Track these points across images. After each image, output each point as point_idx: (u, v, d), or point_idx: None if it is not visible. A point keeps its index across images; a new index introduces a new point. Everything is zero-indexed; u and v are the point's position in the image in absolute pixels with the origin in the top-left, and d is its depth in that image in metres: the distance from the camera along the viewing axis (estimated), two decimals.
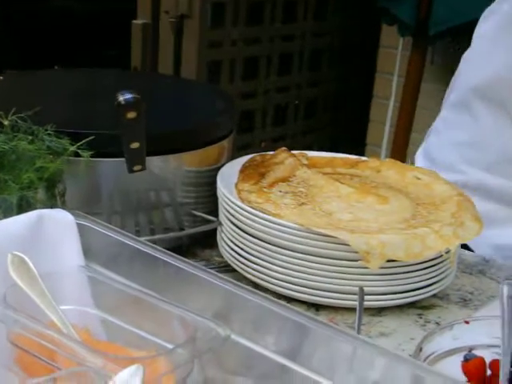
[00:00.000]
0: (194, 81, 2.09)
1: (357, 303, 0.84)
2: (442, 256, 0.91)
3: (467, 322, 0.75)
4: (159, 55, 2.41)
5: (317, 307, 0.92)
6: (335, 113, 2.93)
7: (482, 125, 1.23)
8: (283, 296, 0.93)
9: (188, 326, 0.60)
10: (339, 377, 0.67)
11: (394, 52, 2.72)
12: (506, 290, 0.73)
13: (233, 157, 1.12)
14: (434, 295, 0.96)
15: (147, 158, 0.92)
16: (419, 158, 1.36)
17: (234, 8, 2.42)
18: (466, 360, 0.72)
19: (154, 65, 2.41)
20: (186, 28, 2.30)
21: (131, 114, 0.82)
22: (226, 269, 1.00)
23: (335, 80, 2.86)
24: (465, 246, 1.10)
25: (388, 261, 0.87)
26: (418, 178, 1.09)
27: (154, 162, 0.95)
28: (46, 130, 0.87)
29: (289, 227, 0.90)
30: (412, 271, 0.90)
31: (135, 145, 0.85)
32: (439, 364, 0.71)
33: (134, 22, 2.41)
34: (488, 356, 0.72)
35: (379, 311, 0.93)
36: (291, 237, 0.90)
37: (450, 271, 0.97)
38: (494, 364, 0.70)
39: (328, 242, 0.88)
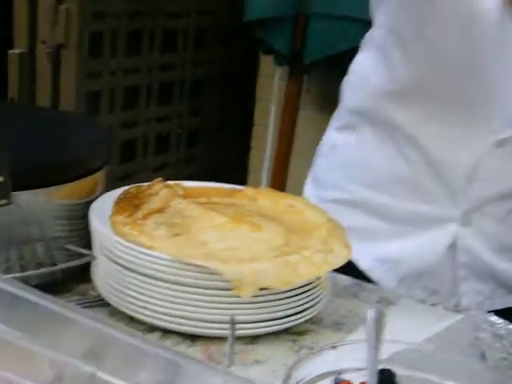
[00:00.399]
0: (68, 112, 2.06)
1: (227, 332, 0.85)
2: (313, 282, 0.92)
3: (334, 347, 0.76)
4: (37, 85, 2.37)
5: (192, 338, 0.92)
6: (218, 141, 2.96)
7: (367, 145, 1.28)
8: (159, 328, 0.93)
9: (56, 365, 0.59)
10: None
11: (271, 81, 2.77)
12: (372, 315, 0.75)
13: (108, 188, 1.11)
14: (308, 320, 0.98)
15: (16, 193, 0.91)
16: (308, 185, 1.40)
17: (112, 38, 2.41)
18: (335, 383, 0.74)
19: (31, 95, 2.37)
20: (64, 58, 2.28)
21: None
22: (102, 303, 0.98)
23: (217, 108, 2.89)
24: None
25: (261, 289, 0.89)
26: (292, 206, 1.12)
27: (23, 197, 0.93)
28: None
29: (162, 258, 0.90)
30: (284, 298, 0.92)
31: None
32: None
33: (11, 51, 2.37)
34: (356, 379, 0.74)
35: (254, 339, 0.93)
36: (164, 268, 0.90)
37: (323, 296, 0.99)
38: None
39: (201, 273, 0.88)
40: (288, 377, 0.69)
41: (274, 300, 0.91)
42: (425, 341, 0.97)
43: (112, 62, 2.41)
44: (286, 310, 0.93)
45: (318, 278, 0.93)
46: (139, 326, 0.94)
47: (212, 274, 0.88)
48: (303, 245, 0.98)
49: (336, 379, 0.75)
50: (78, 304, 0.99)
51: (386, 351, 0.81)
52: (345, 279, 1.14)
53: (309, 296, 0.95)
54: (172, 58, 2.56)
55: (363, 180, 1.29)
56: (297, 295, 0.93)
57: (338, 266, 0.96)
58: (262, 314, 0.91)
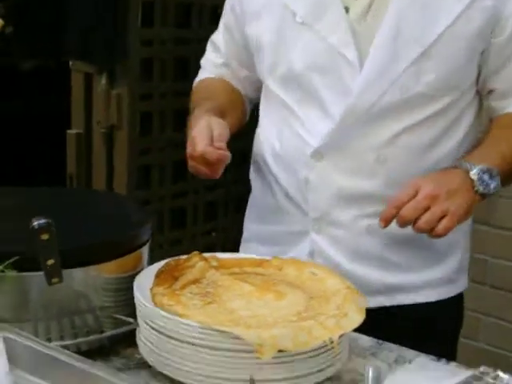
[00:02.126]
0: (115, 194, 2.21)
1: None
2: (329, 344, 1.02)
3: None
4: (93, 162, 2.53)
5: None
6: None
7: (254, 184, 1.59)
8: None
9: None
10: None
11: None
12: (370, 372, 0.85)
13: (154, 257, 1.23)
14: (328, 378, 1.07)
15: (67, 270, 1.04)
16: None
17: (161, 115, 2.57)
18: None
19: (88, 172, 2.53)
20: (116, 137, 2.44)
21: (44, 236, 0.95)
22: (145, 365, 1.09)
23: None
24: None
25: (280, 351, 0.99)
26: (314, 274, 1.22)
27: (74, 274, 1.06)
28: None
29: (193, 326, 1.01)
30: (303, 358, 1.01)
31: (51, 261, 0.97)
32: None
33: (69, 131, 2.54)
34: None
35: None
36: (196, 334, 1.01)
37: (341, 356, 1.08)
38: None
39: (226, 337, 0.99)
40: None
41: (292, 361, 1.01)
42: None
43: (161, 138, 2.57)
44: (304, 369, 1.02)
45: (332, 342, 1.02)
46: None
47: (236, 338, 0.99)
48: (320, 310, 1.08)
49: None
50: (124, 366, 1.10)
51: None
52: (366, 340, 1.23)
53: (326, 356, 1.04)
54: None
55: (252, 216, 1.56)
56: (314, 356, 1.03)
57: (350, 330, 1.05)
58: (282, 373, 1.01)
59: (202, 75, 1.63)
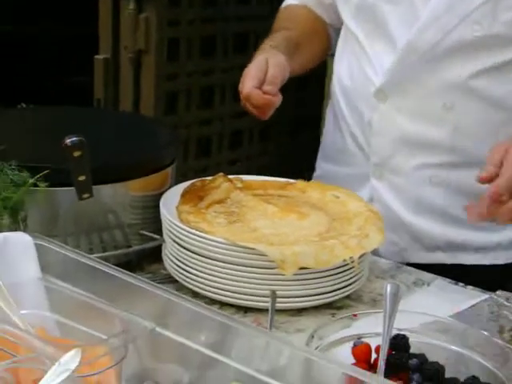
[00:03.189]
0: (142, 115, 2.23)
1: (277, 305, 0.99)
2: (350, 263, 1.05)
3: (355, 315, 0.89)
4: (120, 87, 2.54)
5: (245, 310, 1.06)
6: (289, 136, 3.09)
7: (327, 128, 1.51)
8: (217, 301, 1.07)
9: (123, 322, 0.74)
10: (255, 363, 0.81)
11: None
12: (388, 288, 0.88)
13: (180, 182, 1.25)
14: (348, 297, 1.10)
15: (97, 187, 1.07)
16: None
17: (188, 42, 2.57)
18: (355, 346, 0.87)
19: (115, 96, 2.54)
20: (144, 62, 2.45)
21: (77, 153, 0.98)
22: (170, 280, 1.13)
23: (288, 105, 3.00)
24: None
25: (302, 268, 1.02)
26: (337, 197, 1.24)
27: (103, 190, 1.09)
28: (10, 165, 1.02)
29: (218, 242, 1.04)
30: (324, 276, 1.05)
31: (82, 177, 1.00)
32: (333, 350, 0.85)
33: (96, 56, 2.55)
34: (373, 343, 0.87)
35: (298, 312, 1.06)
36: (220, 250, 1.04)
37: (361, 276, 1.11)
38: (378, 349, 0.85)
39: (250, 253, 1.02)
40: (310, 338, 0.82)
41: (313, 278, 1.04)
42: (451, 316, 1.08)
43: (188, 64, 2.57)
44: (325, 287, 1.05)
45: (353, 261, 1.05)
46: (200, 300, 1.06)
47: (259, 254, 1.02)
48: (342, 231, 1.11)
49: (355, 342, 0.87)
50: (150, 280, 1.13)
51: (416, 321, 0.93)
52: (387, 263, 1.26)
53: (347, 275, 1.07)
54: (244, 59, 2.71)
55: (322, 154, 1.51)
56: (335, 274, 1.06)
57: (371, 250, 1.08)
58: (303, 290, 1.04)
59: (286, 1, 1.54)
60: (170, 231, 1.11)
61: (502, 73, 1.25)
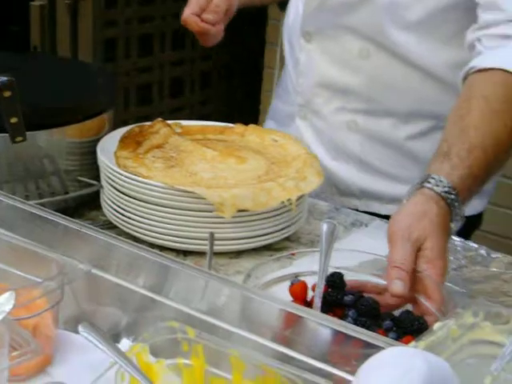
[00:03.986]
0: (79, 61, 2.19)
1: (216, 248, 1.00)
2: (287, 205, 1.05)
3: (293, 254, 0.90)
4: (57, 35, 2.49)
5: (185, 253, 1.06)
6: (230, 84, 3.07)
7: None
8: (157, 245, 1.06)
9: (59, 265, 0.73)
10: (195, 302, 0.81)
11: (279, 24, 2.86)
12: (325, 227, 0.89)
13: (115, 128, 1.24)
14: (287, 238, 1.11)
15: (32, 132, 1.05)
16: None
17: None
18: (292, 284, 0.88)
19: (52, 44, 2.49)
20: (81, 9, 2.40)
21: (7, 93, 0.96)
22: (109, 226, 1.12)
23: (228, 52, 2.99)
24: None
25: (241, 211, 1.02)
26: (275, 140, 1.24)
27: (38, 135, 1.07)
28: None
29: (156, 186, 1.04)
30: (262, 218, 1.05)
31: (14, 119, 0.98)
32: (270, 289, 0.86)
33: (32, 3, 2.49)
34: (310, 281, 0.88)
35: (238, 254, 1.07)
36: (159, 194, 1.04)
37: (299, 218, 1.12)
38: (314, 287, 0.86)
39: (188, 197, 1.02)
40: (247, 277, 0.83)
41: (251, 220, 1.04)
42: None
43: (127, 11, 2.53)
44: (263, 229, 1.06)
45: (292, 203, 1.05)
46: (140, 245, 1.07)
47: (198, 198, 1.02)
48: (280, 174, 1.11)
49: (292, 280, 0.88)
50: None
51: (355, 260, 0.95)
52: (325, 205, 1.27)
53: (285, 217, 1.08)
54: (184, 6, 2.67)
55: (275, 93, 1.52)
56: (273, 216, 1.06)
57: (308, 192, 1.09)
58: (242, 232, 1.05)
59: None
60: (107, 177, 1.10)
61: (414, 31, 1.23)
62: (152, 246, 1.06)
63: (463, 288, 1.03)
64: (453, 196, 0.92)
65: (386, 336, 0.79)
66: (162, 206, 1.04)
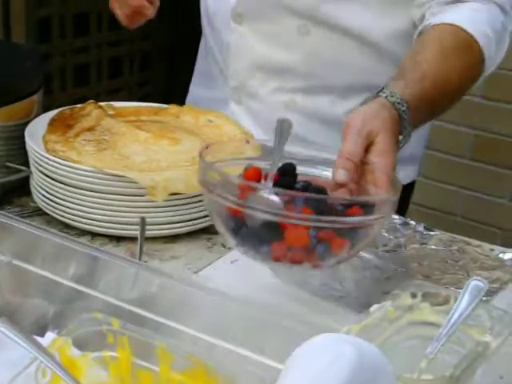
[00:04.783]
0: (10, 42, 2.13)
1: (149, 233, 0.97)
2: None
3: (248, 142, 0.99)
4: None
5: (118, 239, 1.03)
6: (171, 64, 3.02)
7: None
8: (89, 232, 1.04)
9: None
10: (124, 293, 0.78)
11: None
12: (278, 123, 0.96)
13: (44, 111, 1.19)
14: None
15: None
16: None
17: None
18: (245, 170, 0.90)
19: None
20: None
21: None
22: (39, 213, 1.09)
23: (167, 31, 2.94)
24: None
25: (174, 194, 1.00)
26: (210, 121, 1.22)
27: None
28: None
29: (86, 170, 1.00)
30: (196, 202, 1.02)
31: None
32: None
33: None
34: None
35: (173, 238, 1.04)
36: (89, 179, 1.00)
37: None
38: (267, 175, 0.88)
39: (120, 181, 0.99)
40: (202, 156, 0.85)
41: (185, 204, 1.02)
42: None
43: None
44: (197, 212, 1.04)
45: None
46: (71, 232, 1.04)
47: (129, 182, 0.99)
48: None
49: (246, 167, 0.90)
50: (18, 214, 1.09)
51: None
52: None
53: None
54: None
55: (194, 78, 1.53)
56: None
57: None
58: (176, 216, 1.02)
59: None
60: (36, 162, 1.07)
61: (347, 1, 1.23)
62: (83, 232, 1.04)
63: (402, 267, 1.02)
64: (404, 108, 0.99)
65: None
66: (92, 191, 1.01)
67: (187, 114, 1.23)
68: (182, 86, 2.93)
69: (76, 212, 1.03)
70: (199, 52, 1.48)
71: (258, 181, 0.89)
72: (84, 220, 1.03)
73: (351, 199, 0.87)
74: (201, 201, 1.03)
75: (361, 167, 0.90)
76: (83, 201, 1.02)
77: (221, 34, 1.33)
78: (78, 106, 1.21)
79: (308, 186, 0.89)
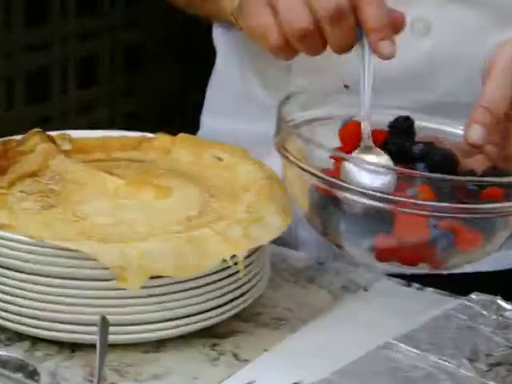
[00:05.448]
0: None
1: (118, 338, 0.94)
2: (232, 266, 1.00)
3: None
4: None
5: (72, 347, 1.01)
6: (165, 65, 3.05)
7: None
8: (28, 336, 1.01)
9: None
10: None
11: None
12: None
13: None
14: (235, 317, 1.06)
15: None
16: None
17: None
18: (343, 125, 0.99)
19: None
20: None
21: None
22: None
23: (162, 21, 2.97)
24: None
25: (153, 277, 0.97)
26: (219, 159, 1.20)
27: None
28: None
29: (23, 242, 0.98)
30: (190, 289, 1.00)
31: None
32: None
33: None
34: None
35: (157, 345, 1.02)
36: (27, 255, 0.98)
37: (254, 284, 1.07)
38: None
39: (70, 258, 0.96)
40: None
41: (173, 292, 0.99)
42: (403, 337, 1.05)
43: None
44: (194, 304, 1.01)
45: (236, 263, 1.00)
46: (2, 334, 1.03)
47: (85, 259, 0.96)
48: (222, 213, 1.07)
49: (344, 120, 0.99)
50: None
51: None
52: (299, 257, 1.24)
53: (229, 285, 1.03)
54: None
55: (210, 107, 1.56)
56: (209, 284, 1.01)
57: (267, 241, 1.05)
58: (158, 311, 0.99)
59: None
60: None
61: None
62: (20, 336, 1.02)
63: None
64: None
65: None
66: (32, 273, 0.99)
67: (182, 148, 1.23)
68: (180, 95, 2.87)
69: (6, 305, 1.01)
70: (218, 68, 1.51)
71: (358, 139, 0.97)
72: (18, 318, 1.01)
73: (489, 180, 0.92)
74: (197, 287, 1.01)
75: (507, 123, 0.95)
76: (18, 288, 1.00)
77: None
78: (17, 137, 1.20)
79: (429, 152, 0.95)
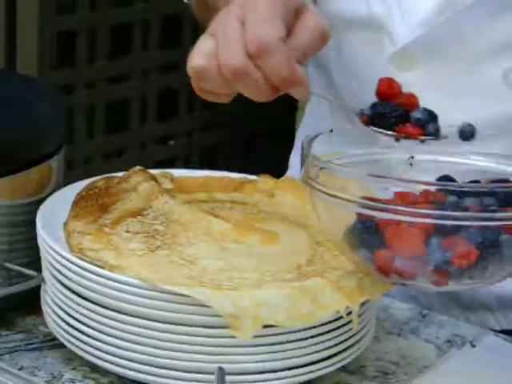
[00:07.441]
0: (10, 72, 2.17)
1: None
2: (344, 317, 0.99)
3: None
4: None
5: None
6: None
7: None
8: (131, 380, 1.01)
9: None
10: None
11: None
12: None
13: (67, 180, 1.20)
14: (342, 369, 1.06)
15: None
16: None
17: None
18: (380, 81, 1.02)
19: None
20: None
21: None
22: (54, 344, 1.08)
23: None
24: None
25: (266, 326, 0.96)
26: None
27: None
28: None
29: (129, 284, 0.97)
30: (301, 339, 0.99)
31: None
32: None
33: None
34: None
35: None
36: (132, 297, 0.97)
37: (362, 336, 1.06)
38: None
39: (182, 304, 0.96)
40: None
41: (285, 342, 0.98)
42: None
43: None
44: (304, 355, 1.00)
45: (349, 313, 0.99)
46: (102, 378, 1.03)
47: (197, 305, 0.95)
48: (334, 263, 1.05)
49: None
50: (21, 345, 1.09)
51: None
52: (403, 309, 1.23)
53: (338, 336, 1.02)
54: None
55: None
56: (321, 335, 1.00)
57: (379, 294, 1.03)
58: (269, 361, 0.98)
59: None
60: (52, 265, 1.05)
61: None
62: (120, 379, 1.02)
63: None
64: None
65: None
66: (136, 316, 0.98)
67: (287, 192, 1.23)
68: (269, 127, 2.89)
69: (111, 349, 1.00)
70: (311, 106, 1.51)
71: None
72: (123, 362, 1.00)
73: None
74: (308, 338, 1.00)
75: None
76: (121, 331, 1.00)
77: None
78: (118, 174, 1.21)
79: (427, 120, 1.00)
